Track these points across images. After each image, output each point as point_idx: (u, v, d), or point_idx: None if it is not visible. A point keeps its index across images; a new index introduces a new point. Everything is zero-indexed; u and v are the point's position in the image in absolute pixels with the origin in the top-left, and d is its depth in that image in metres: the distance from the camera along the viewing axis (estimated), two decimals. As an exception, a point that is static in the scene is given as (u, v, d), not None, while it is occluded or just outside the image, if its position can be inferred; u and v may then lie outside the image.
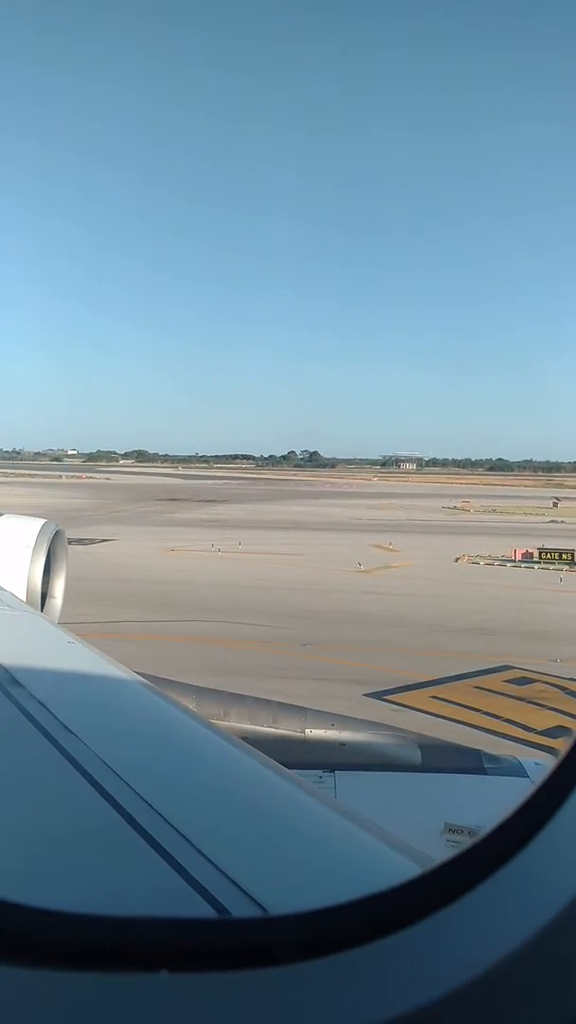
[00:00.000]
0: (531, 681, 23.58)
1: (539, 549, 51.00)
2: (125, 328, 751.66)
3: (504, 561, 50.83)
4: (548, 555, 50.18)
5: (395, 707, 20.98)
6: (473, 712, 20.51)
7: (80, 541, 55.53)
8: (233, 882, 1.51)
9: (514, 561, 50.57)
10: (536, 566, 49.18)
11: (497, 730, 18.97)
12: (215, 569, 45.30)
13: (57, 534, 8.35)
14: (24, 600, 7.31)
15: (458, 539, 63.01)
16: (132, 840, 1.71)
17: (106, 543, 55.81)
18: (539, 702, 21.51)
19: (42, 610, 7.73)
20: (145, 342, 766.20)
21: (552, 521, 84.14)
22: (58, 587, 8.38)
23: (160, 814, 1.82)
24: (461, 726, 19.13)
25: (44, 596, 8.05)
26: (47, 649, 4.30)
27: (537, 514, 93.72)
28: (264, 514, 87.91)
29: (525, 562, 50.10)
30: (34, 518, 8.60)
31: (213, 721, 3.60)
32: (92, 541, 56.05)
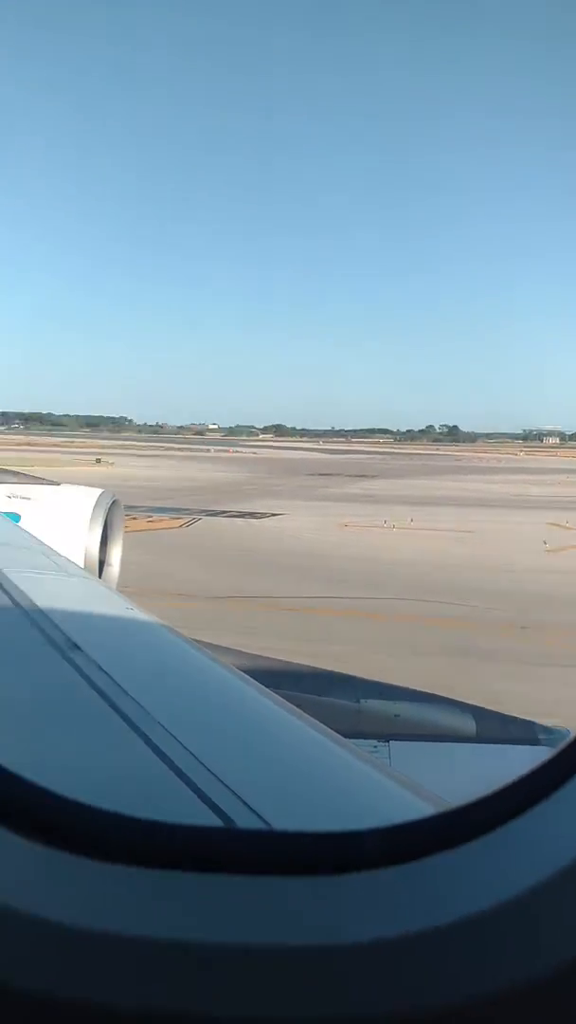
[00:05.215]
0: None
1: None
2: (264, 303, 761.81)
3: None
4: None
5: None
6: None
7: (253, 515, 56.40)
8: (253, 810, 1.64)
9: None
10: None
11: None
12: (395, 546, 44.47)
13: (114, 504, 8.56)
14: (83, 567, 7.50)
15: None
16: (179, 788, 1.82)
17: (276, 517, 56.26)
18: None
19: (100, 577, 8.01)
20: (285, 316, 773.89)
21: None
22: (115, 555, 8.63)
23: (202, 763, 1.90)
24: None
25: (102, 564, 8.33)
26: (105, 614, 4.44)
27: None
28: (418, 489, 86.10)
29: None
30: (92, 488, 8.78)
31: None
32: (264, 515, 56.68)
